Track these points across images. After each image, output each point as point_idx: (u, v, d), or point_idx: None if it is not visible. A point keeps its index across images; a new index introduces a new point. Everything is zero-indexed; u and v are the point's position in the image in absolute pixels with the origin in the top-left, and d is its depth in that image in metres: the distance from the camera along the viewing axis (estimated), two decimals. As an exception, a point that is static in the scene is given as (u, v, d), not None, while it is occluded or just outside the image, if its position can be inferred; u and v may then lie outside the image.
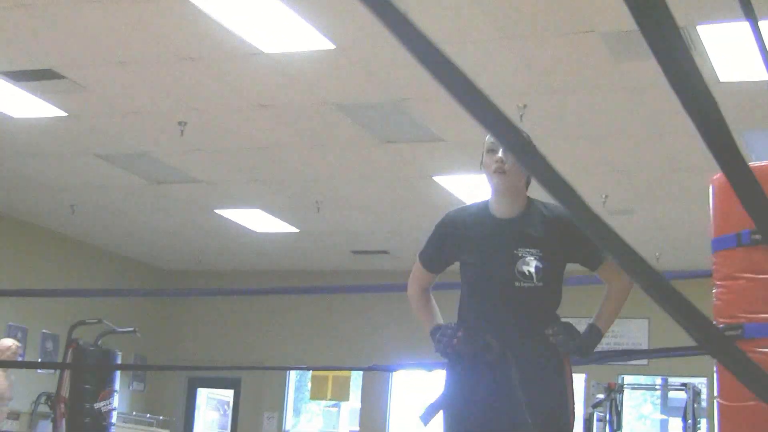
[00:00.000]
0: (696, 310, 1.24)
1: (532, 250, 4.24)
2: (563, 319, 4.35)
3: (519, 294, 4.23)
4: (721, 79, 8.83)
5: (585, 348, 4.32)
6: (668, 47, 1.13)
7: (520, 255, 4.23)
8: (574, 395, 4.29)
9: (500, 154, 4.26)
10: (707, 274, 4.72)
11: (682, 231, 14.00)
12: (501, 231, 4.31)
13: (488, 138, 4.32)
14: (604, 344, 16.11)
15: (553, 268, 4.27)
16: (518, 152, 0.99)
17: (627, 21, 7.76)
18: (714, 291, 4.48)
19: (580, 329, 4.35)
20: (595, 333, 4.33)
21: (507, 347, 4.22)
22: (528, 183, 4.39)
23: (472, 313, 4.35)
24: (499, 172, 4.27)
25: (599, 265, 4.32)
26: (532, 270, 4.21)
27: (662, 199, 12.82)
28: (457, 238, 4.41)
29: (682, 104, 1.21)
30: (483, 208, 4.40)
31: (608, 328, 4.37)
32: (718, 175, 4.52)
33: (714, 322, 4.02)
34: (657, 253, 14.51)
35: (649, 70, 8.75)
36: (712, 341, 1.36)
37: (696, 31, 8.00)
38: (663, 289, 1.21)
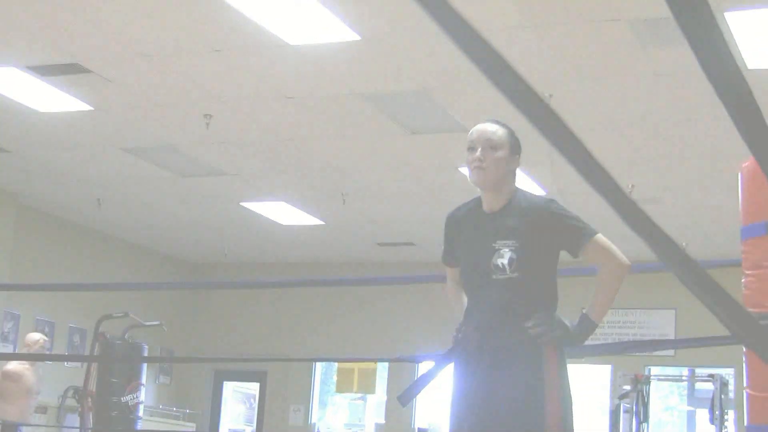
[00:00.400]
0: (731, 298, 1.23)
1: (508, 242, 4.26)
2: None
3: (496, 286, 4.26)
4: (749, 67, 8.77)
5: (572, 338, 4.25)
6: (703, 32, 1.12)
7: (496, 248, 4.27)
8: (557, 387, 4.18)
9: (478, 153, 4.35)
10: (736, 263, 4.69)
11: (710, 219, 13.93)
12: (484, 225, 4.39)
13: (469, 136, 4.46)
14: (630, 335, 15.96)
15: (531, 259, 4.25)
16: (553, 137, 0.97)
17: (654, 8, 7.72)
18: (743, 280, 4.45)
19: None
20: (586, 322, 4.26)
21: (484, 340, 4.23)
22: (514, 175, 4.42)
23: (468, 307, 4.42)
24: (478, 169, 4.34)
25: (580, 249, 4.27)
26: (506, 262, 4.24)
27: (690, 188, 12.76)
28: (456, 234, 4.51)
29: (715, 89, 1.20)
30: (477, 204, 4.49)
31: (602, 316, 4.28)
32: (748, 163, 4.50)
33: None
34: (684, 243, 14.44)
35: (676, 56, 8.70)
36: (747, 330, 1.34)
37: (724, 17, 7.94)
38: (697, 276, 1.19)
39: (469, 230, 4.43)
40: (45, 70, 10.02)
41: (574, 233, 4.27)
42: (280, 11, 8.42)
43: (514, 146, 4.41)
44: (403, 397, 4.50)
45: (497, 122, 4.45)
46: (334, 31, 8.70)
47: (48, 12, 8.76)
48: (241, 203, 15.01)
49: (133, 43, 9.32)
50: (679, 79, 9.24)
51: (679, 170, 12.08)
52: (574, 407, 4.25)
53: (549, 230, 4.27)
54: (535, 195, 4.45)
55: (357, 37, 8.83)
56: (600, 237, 4.25)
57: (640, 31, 8.39)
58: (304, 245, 17.65)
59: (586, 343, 4.36)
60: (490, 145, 4.35)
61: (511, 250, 4.24)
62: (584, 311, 4.28)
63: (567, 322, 4.24)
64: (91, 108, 11.00)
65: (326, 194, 14.13)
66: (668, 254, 1.14)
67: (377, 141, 11.74)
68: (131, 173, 13.65)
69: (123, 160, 13.04)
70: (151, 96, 10.64)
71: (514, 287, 4.23)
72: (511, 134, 4.42)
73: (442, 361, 4.45)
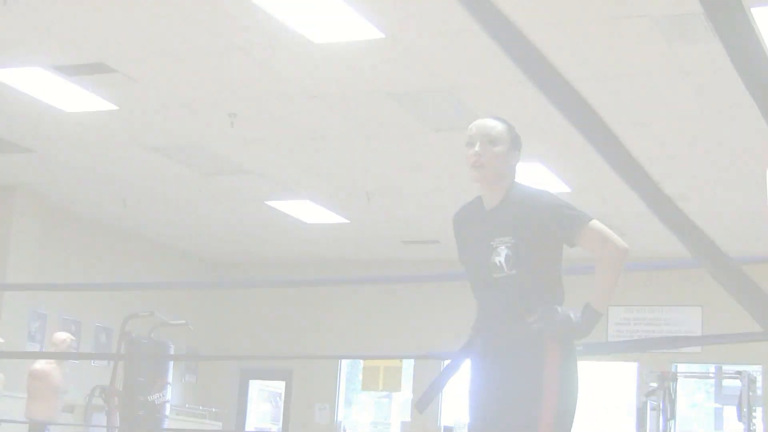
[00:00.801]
0: (764, 293, 1.22)
1: (504, 239, 4.22)
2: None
3: (497, 285, 4.23)
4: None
5: (576, 330, 4.14)
6: (734, 27, 1.11)
7: (494, 246, 4.24)
8: (557, 384, 4.10)
9: (477, 148, 4.33)
10: (764, 261, 4.67)
11: (737, 217, 13.85)
12: (483, 223, 4.37)
13: (467, 131, 4.43)
14: (657, 332, 15.85)
15: (528, 255, 4.21)
16: (590, 133, 0.97)
17: (679, 4, 7.68)
18: (772, 277, 4.43)
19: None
20: (590, 312, 4.13)
21: (489, 339, 4.22)
22: (513, 171, 4.39)
23: (478, 306, 4.40)
24: (477, 165, 4.32)
25: (575, 238, 4.20)
26: (502, 260, 4.20)
27: (717, 185, 12.69)
28: (460, 233, 4.55)
29: (745, 85, 1.19)
30: (479, 202, 4.48)
31: (605, 304, 4.18)
32: (775, 160, 4.48)
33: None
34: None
35: (702, 53, 8.66)
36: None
37: (750, 13, 7.90)
38: (730, 272, 1.18)
39: (470, 229, 4.43)
40: (70, 70, 10.05)
41: (566, 222, 4.20)
42: (304, 9, 8.43)
43: (513, 141, 4.38)
44: (420, 403, 4.46)
45: (497, 118, 4.43)
46: (359, 29, 8.70)
47: (73, 12, 8.79)
48: (266, 202, 15.02)
49: (158, 43, 9.35)
50: (705, 75, 9.20)
51: (707, 167, 12.02)
52: (576, 403, 4.18)
53: (542, 223, 4.21)
54: (529, 188, 4.38)
55: (381, 35, 8.83)
56: (594, 223, 4.17)
57: (666, 28, 8.35)
58: (329, 243, 17.66)
59: (614, 340, 4.35)
60: (488, 140, 4.32)
61: (507, 247, 4.20)
62: (587, 301, 4.18)
63: (572, 315, 4.17)
64: (117, 107, 11.04)
65: (351, 192, 14.13)
66: (702, 250, 1.13)
67: (402, 139, 11.73)
68: (156, 172, 13.69)
69: (148, 160, 13.08)
70: (176, 95, 10.67)
71: (514, 285, 4.19)
72: (511, 130, 4.38)
73: (455, 361, 4.43)
